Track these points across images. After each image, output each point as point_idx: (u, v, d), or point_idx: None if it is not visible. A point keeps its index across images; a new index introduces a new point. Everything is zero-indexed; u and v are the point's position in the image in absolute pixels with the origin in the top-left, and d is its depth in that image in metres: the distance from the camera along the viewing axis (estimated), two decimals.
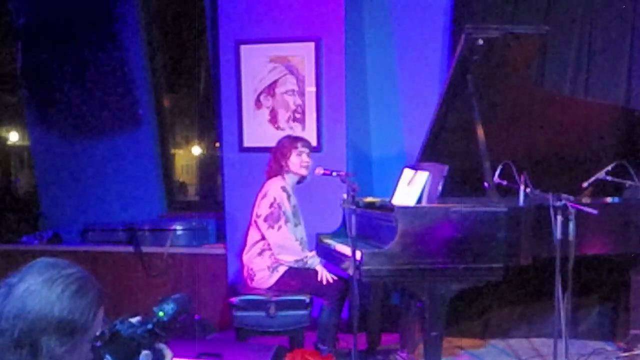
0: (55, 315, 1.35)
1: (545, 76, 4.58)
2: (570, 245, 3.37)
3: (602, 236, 3.72)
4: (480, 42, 3.50)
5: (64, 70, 5.62)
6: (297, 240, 3.99)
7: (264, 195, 4.00)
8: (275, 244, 3.94)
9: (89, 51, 5.56)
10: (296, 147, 4.06)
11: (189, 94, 6.23)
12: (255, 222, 4.03)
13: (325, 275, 3.93)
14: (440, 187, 3.51)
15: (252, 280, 4.05)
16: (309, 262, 3.94)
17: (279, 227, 3.93)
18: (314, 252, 4.00)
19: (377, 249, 3.40)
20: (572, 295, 3.49)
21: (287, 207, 3.98)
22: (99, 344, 1.40)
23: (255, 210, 4.05)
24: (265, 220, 3.95)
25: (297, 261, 3.94)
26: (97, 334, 1.41)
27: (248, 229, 4.20)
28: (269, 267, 3.99)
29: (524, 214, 3.43)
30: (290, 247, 3.94)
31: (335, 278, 3.95)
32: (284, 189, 4.00)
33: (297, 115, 4.85)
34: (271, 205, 3.94)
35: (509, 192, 3.55)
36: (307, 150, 4.10)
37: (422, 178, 3.66)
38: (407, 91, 5.00)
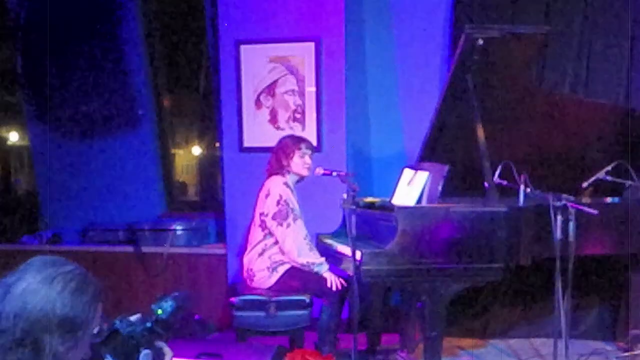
0: (57, 313, 1.34)
1: (545, 76, 4.58)
2: (570, 245, 3.36)
3: (602, 236, 3.72)
4: (480, 42, 3.50)
5: (63, 70, 5.62)
6: (304, 237, 3.94)
7: (268, 194, 3.95)
8: (288, 244, 3.89)
9: (88, 51, 5.56)
10: (300, 148, 4.03)
11: (189, 94, 6.23)
12: (264, 221, 3.96)
13: (334, 282, 3.84)
14: (440, 187, 3.51)
15: (252, 280, 4.03)
16: (315, 269, 3.87)
17: (288, 225, 3.89)
18: (323, 259, 3.90)
19: (377, 249, 3.40)
20: (572, 295, 3.49)
21: (295, 204, 3.95)
22: (97, 340, 1.40)
23: (260, 209, 3.99)
24: (273, 218, 3.91)
25: (303, 265, 3.89)
26: (95, 331, 1.41)
27: (248, 229, 4.19)
28: (268, 268, 3.97)
29: (524, 214, 3.43)
30: (300, 247, 3.88)
31: (344, 282, 3.88)
32: (286, 184, 3.97)
33: (297, 115, 4.85)
34: (278, 203, 3.90)
35: (509, 192, 3.55)
36: (309, 151, 4.08)
37: (422, 178, 3.66)
38: (407, 91, 5.00)
